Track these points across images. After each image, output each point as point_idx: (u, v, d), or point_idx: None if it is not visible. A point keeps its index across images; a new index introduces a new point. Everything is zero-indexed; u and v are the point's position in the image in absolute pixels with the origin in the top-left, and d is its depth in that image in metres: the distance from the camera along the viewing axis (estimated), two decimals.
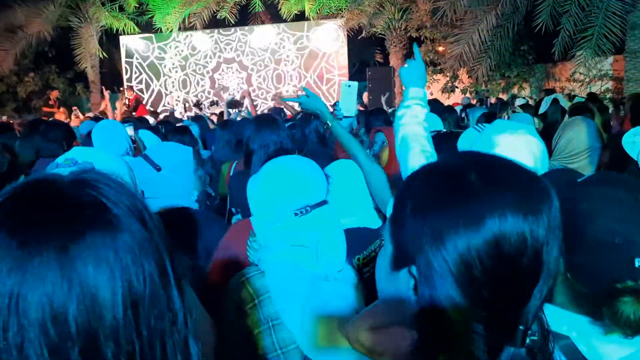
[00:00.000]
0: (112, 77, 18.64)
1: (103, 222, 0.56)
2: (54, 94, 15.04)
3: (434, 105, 6.21)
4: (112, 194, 0.59)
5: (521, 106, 7.31)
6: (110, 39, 17.84)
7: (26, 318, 0.50)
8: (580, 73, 12.45)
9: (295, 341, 1.25)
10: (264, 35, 17.09)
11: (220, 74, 17.64)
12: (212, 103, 15.36)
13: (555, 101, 4.19)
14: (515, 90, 14.30)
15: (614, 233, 0.89)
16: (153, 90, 18.34)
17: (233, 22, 16.23)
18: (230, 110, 9.03)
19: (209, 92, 17.39)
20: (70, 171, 0.62)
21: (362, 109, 9.57)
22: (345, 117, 2.48)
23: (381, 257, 0.81)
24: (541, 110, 4.35)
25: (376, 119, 4.11)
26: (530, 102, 10.88)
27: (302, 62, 16.90)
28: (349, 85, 2.38)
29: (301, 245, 1.33)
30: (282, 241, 1.35)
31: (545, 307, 0.74)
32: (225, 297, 1.33)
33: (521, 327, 0.71)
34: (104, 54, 17.08)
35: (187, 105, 15.41)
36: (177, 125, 5.25)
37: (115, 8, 16.81)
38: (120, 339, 0.54)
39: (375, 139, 2.93)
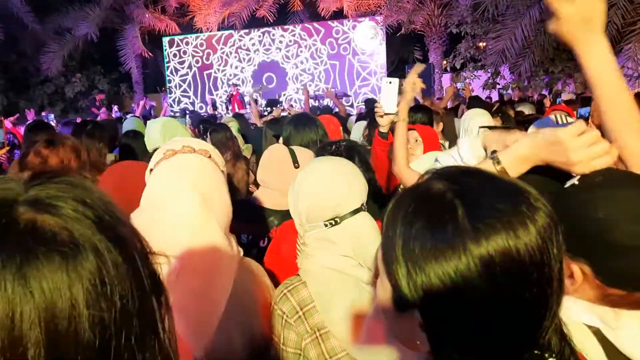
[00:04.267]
0: (155, 77, 19.09)
1: (59, 250, 0.50)
2: (100, 97, 15.60)
3: (474, 103, 6.12)
4: (71, 214, 0.53)
5: (566, 101, 7.12)
6: (152, 40, 18.28)
7: None
8: (628, 67, 12.00)
9: (345, 349, 1.26)
10: (301, 33, 17.18)
11: (261, 74, 17.82)
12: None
13: None
14: (559, 86, 13.89)
15: (638, 236, 0.89)
16: (197, 90, 18.69)
17: (272, 20, 16.38)
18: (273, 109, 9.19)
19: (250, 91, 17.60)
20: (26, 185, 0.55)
21: None
22: (386, 114, 2.48)
23: (380, 289, 0.79)
24: None
25: (417, 115, 3.93)
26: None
27: (339, 58, 16.90)
28: (390, 82, 2.37)
29: (344, 255, 1.32)
30: (323, 249, 1.34)
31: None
32: (270, 310, 1.34)
33: (536, 352, 0.69)
34: (149, 53, 17.53)
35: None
36: (218, 123, 5.35)
37: (158, 9, 17.23)
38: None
39: (408, 137, 2.90)
